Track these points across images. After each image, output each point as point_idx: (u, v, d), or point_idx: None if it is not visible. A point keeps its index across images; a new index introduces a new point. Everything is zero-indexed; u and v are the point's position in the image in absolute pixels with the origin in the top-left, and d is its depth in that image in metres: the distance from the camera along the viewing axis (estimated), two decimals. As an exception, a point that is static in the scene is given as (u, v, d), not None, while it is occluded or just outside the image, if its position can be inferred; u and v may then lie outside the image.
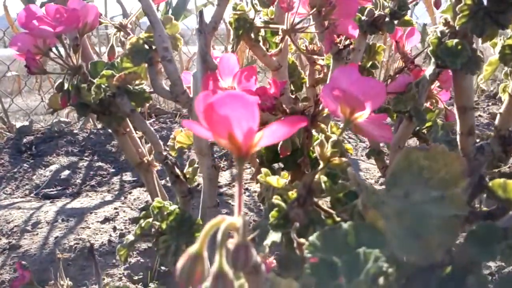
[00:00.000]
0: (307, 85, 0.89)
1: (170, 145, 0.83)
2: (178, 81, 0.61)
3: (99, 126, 2.56)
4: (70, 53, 0.61)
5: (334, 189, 0.40)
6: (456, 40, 0.44)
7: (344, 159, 0.41)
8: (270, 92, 0.55)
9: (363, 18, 0.71)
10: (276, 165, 0.67)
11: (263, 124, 0.29)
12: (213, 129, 0.26)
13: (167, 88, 0.62)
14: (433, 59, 0.47)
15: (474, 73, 0.46)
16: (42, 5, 0.74)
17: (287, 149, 0.59)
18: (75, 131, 2.35)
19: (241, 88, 0.64)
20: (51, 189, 1.81)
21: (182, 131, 0.83)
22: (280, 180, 0.39)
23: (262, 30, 0.69)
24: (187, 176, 0.66)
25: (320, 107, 0.56)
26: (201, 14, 0.60)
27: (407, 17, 0.71)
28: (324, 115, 0.56)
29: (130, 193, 1.75)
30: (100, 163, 2.06)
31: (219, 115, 0.25)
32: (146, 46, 0.63)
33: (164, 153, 0.64)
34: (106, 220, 1.47)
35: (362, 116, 0.45)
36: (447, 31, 0.46)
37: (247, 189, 1.75)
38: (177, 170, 0.64)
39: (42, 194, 1.75)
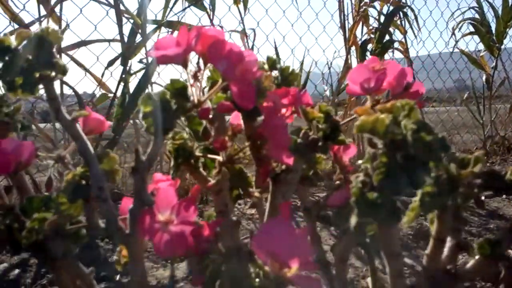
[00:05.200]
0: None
1: (116, 259, 0.81)
2: (113, 220, 0.60)
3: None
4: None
5: None
6: (375, 194, 0.46)
7: None
8: (204, 235, 0.55)
9: (299, 140, 0.73)
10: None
11: None
12: None
13: (103, 225, 0.62)
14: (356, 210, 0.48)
15: (395, 224, 0.48)
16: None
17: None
18: (26, 225, 2.27)
19: (180, 220, 0.64)
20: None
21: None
22: None
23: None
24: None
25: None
26: (137, 152, 0.61)
27: (341, 137, 0.74)
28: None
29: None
30: (51, 260, 1.98)
31: None
32: (83, 182, 0.63)
33: None
34: (53, 330, 1.39)
35: (292, 271, 0.45)
36: (368, 181, 0.49)
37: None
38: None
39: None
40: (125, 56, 2.87)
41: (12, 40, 0.57)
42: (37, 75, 0.56)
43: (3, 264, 1.95)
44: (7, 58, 0.55)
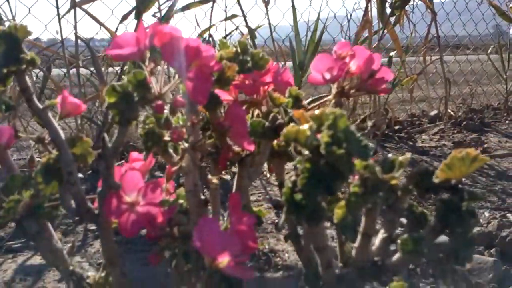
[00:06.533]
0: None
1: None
2: (82, 202, 0.66)
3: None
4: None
5: None
6: (300, 196, 0.50)
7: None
8: (158, 221, 0.60)
9: (267, 124, 0.76)
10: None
11: None
12: None
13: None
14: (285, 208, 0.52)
15: (316, 224, 0.52)
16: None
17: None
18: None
19: (146, 201, 0.69)
20: (16, 242, 1.83)
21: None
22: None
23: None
24: (99, 281, 0.71)
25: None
26: (103, 140, 0.66)
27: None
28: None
29: (91, 245, 1.78)
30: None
31: None
32: (58, 165, 0.68)
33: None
34: (63, 279, 1.50)
35: (223, 263, 0.50)
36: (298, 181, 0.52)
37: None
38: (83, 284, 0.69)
39: (5, 248, 1.77)
40: (139, 10, 2.86)
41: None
42: (5, 70, 0.60)
43: (22, 214, 2.08)
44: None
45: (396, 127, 3.59)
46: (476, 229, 1.80)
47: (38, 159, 0.77)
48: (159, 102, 0.61)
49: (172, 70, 0.65)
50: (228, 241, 0.51)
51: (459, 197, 0.51)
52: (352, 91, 0.74)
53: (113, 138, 0.68)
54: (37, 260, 1.65)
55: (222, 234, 0.53)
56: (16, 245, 1.79)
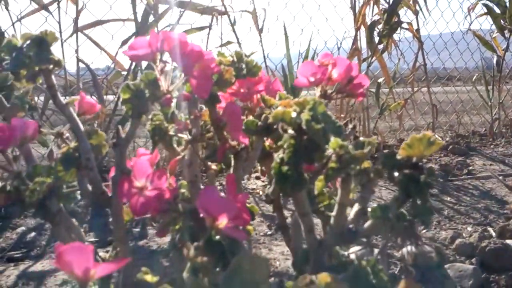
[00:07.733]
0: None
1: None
2: (98, 185, 0.75)
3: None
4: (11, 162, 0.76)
5: None
6: (286, 168, 0.60)
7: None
8: (166, 197, 0.70)
9: (259, 123, 0.87)
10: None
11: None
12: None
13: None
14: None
15: (300, 190, 0.62)
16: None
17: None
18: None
19: (153, 186, 0.78)
20: (17, 252, 1.90)
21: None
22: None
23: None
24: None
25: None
26: (117, 130, 0.76)
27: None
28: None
29: (91, 254, 1.86)
30: (66, 224, 2.17)
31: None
32: (76, 154, 0.78)
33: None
34: (64, 283, 1.57)
35: (222, 223, 0.60)
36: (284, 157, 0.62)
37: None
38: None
39: (6, 257, 1.84)
40: (139, 35, 2.99)
41: (18, 40, 0.71)
42: (37, 68, 0.71)
43: (21, 228, 2.14)
44: (14, 54, 0.69)
45: (385, 151, 3.70)
46: (458, 241, 1.90)
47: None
48: (168, 96, 0.71)
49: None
50: (226, 205, 0.60)
51: (419, 172, 0.62)
52: (333, 94, 0.84)
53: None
54: (38, 267, 1.72)
55: (221, 199, 0.62)
56: (17, 255, 1.86)
